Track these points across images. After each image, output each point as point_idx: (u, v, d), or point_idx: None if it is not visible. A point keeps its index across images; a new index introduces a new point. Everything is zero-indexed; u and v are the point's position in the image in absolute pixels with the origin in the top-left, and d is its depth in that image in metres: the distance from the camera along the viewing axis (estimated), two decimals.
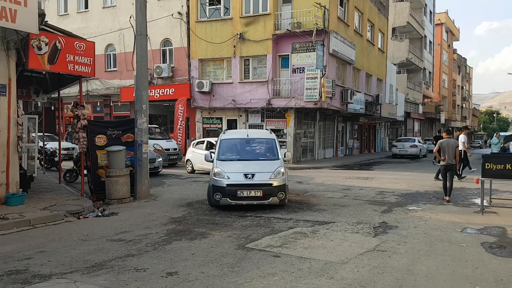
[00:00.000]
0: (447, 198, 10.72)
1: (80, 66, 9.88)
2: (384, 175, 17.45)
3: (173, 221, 8.45)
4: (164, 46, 25.73)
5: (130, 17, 13.19)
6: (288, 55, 22.24)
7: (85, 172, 11.38)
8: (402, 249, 6.35)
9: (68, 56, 9.65)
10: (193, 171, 18.08)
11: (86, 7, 28.46)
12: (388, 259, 5.89)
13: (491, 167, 8.86)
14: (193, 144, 19.19)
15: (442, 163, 10.93)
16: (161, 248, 6.49)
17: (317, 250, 6.32)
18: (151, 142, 15.59)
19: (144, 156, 11.36)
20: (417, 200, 10.99)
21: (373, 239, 6.97)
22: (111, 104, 28.07)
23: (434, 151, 11.36)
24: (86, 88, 26.83)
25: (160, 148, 20.10)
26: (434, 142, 21.54)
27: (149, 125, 12.41)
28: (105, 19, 27.37)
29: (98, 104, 28.57)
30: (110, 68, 27.83)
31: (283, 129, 22.50)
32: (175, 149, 21.33)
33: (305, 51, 21.62)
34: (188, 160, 18.61)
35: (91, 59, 10.13)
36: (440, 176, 12.31)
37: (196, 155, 17.72)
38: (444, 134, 11.39)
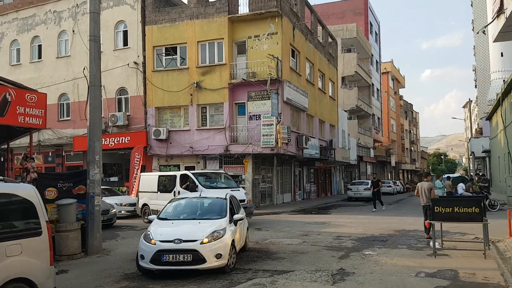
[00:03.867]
0: (427, 236, 11.57)
1: (30, 118, 9.66)
2: (341, 219, 17.71)
3: (127, 277, 8.13)
4: (120, 95, 25.60)
5: (84, 69, 13.16)
6: (244, 102, 22.73)
7: None
8: None
9: (19, 108, 9.44)
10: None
11: (40, 57, 28.06)
12: None
13: (440, 211, 9.25)
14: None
15: (421, 203, 12.04)
16: None
17: None
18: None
19: (97, 208, 10.99)
20: (372, 244, 11.20)
21: (331, 287, 6.99)
22: (64, 154, 27.21)
23: (415, 193, 12.64)
24: (38, 138, 25.97)
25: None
26: (372, 186, 22.42)
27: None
28: (58, 68, 27.06)
29: (50, 154, 27.61)
30: (63, 117, 27.22)
31: (242, 175, 22.57)
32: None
33: (260, 99, 22.21)
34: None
35: (43, 110, 9.94)
36: None
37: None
38: (427, 178, 12.56)
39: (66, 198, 10.45)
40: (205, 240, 7.92)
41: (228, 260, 8.14)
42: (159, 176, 17.89)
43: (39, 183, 10.39)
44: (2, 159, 26.20)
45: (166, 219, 9.09)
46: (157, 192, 17.14)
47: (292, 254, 9.94)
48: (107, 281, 7.88)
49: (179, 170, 23.74)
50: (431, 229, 11.07)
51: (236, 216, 9.20)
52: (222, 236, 8.16)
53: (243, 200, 14.90)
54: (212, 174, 18.16)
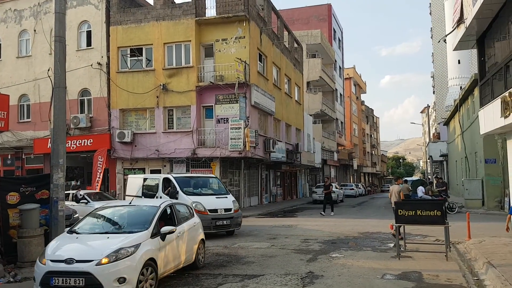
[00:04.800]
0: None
1: None
2: (307, 222, 17.98)
3: None
4: (82, 96, 24.95)
5: (49, 70, 12.75)
6: (212, 106, 22.70)
7: None
8: None
9: None
10: None
11: None
12: None
13: (404, 214, 9.59)
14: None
15: (392, 205, 12.46)
16: None
17: None
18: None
19: (60, 214, 10.62)
20: (339, 246, 11.45)
21: None
22: (23, 157, 26.20)
23: (389, 196, 13.35)
24: None
25: None
26: (325, 191, 22.03)
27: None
28: (19, 69, 26.06)
29: (9, 157, 26.52)
30: (23, 119, 26.23)
31: None
32: None
33: (228, 102, 22.24)
34: None
35: (5, 112, 9.58)
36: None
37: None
38: (398, 181, 13.53)
39: (29, 203, 10.09)
40: (104, 260, 6.34)
41: (138, 285, 6.52)
42: (144, 179, 16.26)
43: (1, 187, 9.98)
44: None
45: (75, 232, 7.50)
46: (141, 197, 15.13)
47: (261, 258, 10.01)
48: None
49: (144, 174, 23.47)
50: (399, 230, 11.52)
51: (165, 229, 7.42)
52: (131, 255, 6.54)
53: (229, 209, 13.78)
54: (199, 178, 16.09)
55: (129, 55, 24.03)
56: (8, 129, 10.21)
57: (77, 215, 16.51)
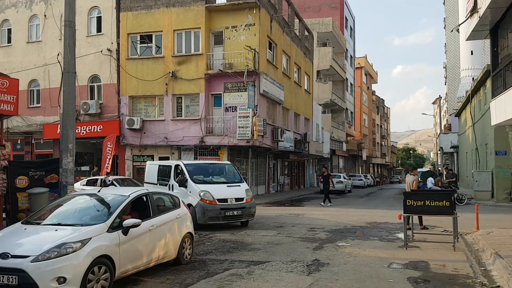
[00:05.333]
0: (421, 227, 12.10)
1: (2, 104, 9.34)
2: (314, 211, 17.97)
3: None
4: (92, 82, 25.03)
5: (58, 54, 12.81)
6: (221, 94, 22.64)
7: (4, 216, 10.51)
8: (335, 287, 6.54)
9: None
10: None
11: (9, 41, 27.08)
12: None
13: (412, 204, 9.52)
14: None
15: None
16: None
17: None
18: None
19: None
20: (345, 236, 11.43)
21: (307, 277, 7.11)
22: (33, 142, 26.43)
23: (406, 186, 13.07)
24: (6, 125, 25.01)
25: None
26: (322, 180, 21.72)
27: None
28: (29, 54, 26.18)
29: (19, 142, 26.77)
30: (33, 104, 26.41)
31: None
32: None
33: (237, 90, 22.16)
34: None
35: (15, 96, 9.62)
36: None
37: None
38: (414, 172, 13.28)
39: (38, 187, 10.22)
40: (42, 256, 5.53)
41: (84, 286, 5.68)
42: (159, 166, 15.36)
43: (10, 171, 10.10)
44: None
45: (29, 223, 6.79)
46: (156, 185, 14.56)
47: (267, 245, 10.03)
48: None
49: (153, 160, 23.59)
50: (411, 221, 11.55)
51: (127, 222, 6.55)
52: (75, 251, 5.70)
53: (241, 199, 12.63)
54: (212, 165, 14.70)
55: (139, 42, 24.00)
56: (18, 113, 10.29)
57: None
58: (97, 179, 17.94)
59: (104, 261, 6.00)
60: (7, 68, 24.73)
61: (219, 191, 12.60)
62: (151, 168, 15.71)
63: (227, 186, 13.08)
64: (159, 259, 7.41)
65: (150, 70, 23.50)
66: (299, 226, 13.20)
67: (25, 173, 10.46)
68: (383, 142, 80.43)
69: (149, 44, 23.78)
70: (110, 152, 23.10)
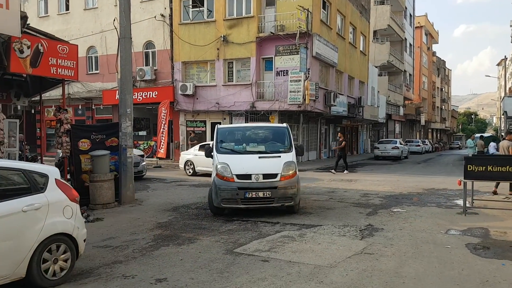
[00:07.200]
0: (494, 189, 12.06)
1: (63, 70, 9.71)
2: (368, 177, 17.64)
3: (160, 226, 8.38)
4: (147, 49, 25.51)
5: (114, 20, 13.05)
6: (272, 57, 22.31)
7: (68, 177, 11.19)
8: (389, 252, 6.42)
9: (51, 59, 9.48)
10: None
11: (67, 9, 28.03)
12: (376, 262, 5.95)
13: (473, 169, 9.04)
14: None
15: None
16: (148, 254, 6.43)
17: (306, 254, 6.34)
18: None
19: (129, 160, 11.24)
20: (401, 202, 11.13)
21: (360, 242, 7.03)
22: (93, 107, 27.66)
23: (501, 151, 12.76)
24: (68, 91, 26.35)
25: None
26: (338, 146, 20.56)
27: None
28: (86, 21, 27.01)
29: (80, 107, 28.14)
30: (92, 70, 27.46)
31: None
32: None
33: (288, 53, 21.72)
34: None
35: (74, 62, 9.97)
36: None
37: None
38: (508, 137, 12.72)
39: (100, 150, 10.71)
40: None
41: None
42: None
43: (73, 134, 10.64)
44: (33, 111, 26.97)
45: None
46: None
47: (319, 209, 10.00)
48: (141, 229, 8.15)
49: (205, 126, 24.03)
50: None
51: None
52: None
53: (272, 175, 8.96)
54: (255, 130, 11.14)
55: (191, 6, 23.99)
56: (78, 79, 10.70)
57: (144, 163, 17.44)
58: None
59: None
60: (66, 35, 25.64)
61: (242, 163, 9.18)
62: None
63: (259, 157, 9.48)
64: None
65: (202, 35, 23.52)
66: (351, 192, 13.02)
67: (87, 136, 10.97)
68: (443, 106, 76.61)
69: (200, 8, 23.70)
70: (165, 117, 23.73)
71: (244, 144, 10.22)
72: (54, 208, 5.25)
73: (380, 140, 36.44)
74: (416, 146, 41.60)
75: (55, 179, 5.49)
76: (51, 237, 5.12)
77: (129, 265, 5.93)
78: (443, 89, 77.74)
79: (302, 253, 6.35)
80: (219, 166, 9.08)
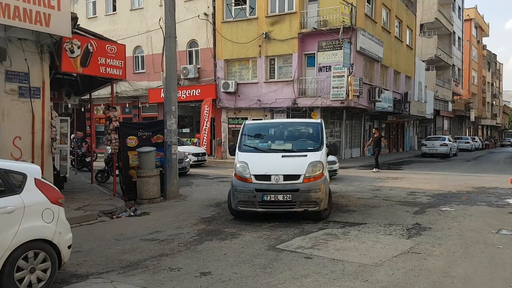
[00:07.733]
0: None
1: (111, 69, 10.08)
2: (414, 175, 17.12)
3: (203, 221, 8.53)
4: (191, 47, 25.96)
5: (160, 20, 13.38)
6: (314, 53, 22.09)
7: (117, 172, 11.61)
8: (437, 251, 6.21)
9: (100, 59, 9.86)
10: None
11: (114, 9, 29.01)
12: (423, 261, 5.77)
13: None
14: None
15: None
16: (193, 248, 6.56)
17: (350, 252, 6.25)
18: None
19: (174, 156, 11.51)
20: (449, 201, 10.74)
21: (406, 241, 6.85)
22: (140, 106, 28.52)
23: None
24: (116, 90, 27.29)
25: None
26: (373, 144, 19.85)
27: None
28: (132, 21, 27.84)
29: (127, 106, 29.08)
30: (138, 70, 28.28)
31: None
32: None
33: (331, 49, 21.43)
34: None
35: (122, 61, 10.32)
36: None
37: None
38: None
39: (146, 146, 11.04)
40: None
41: None
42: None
43: (121, 132, 11.02)
44: (83, 109, 28.15)
45: None
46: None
47: (363, 207, 9.81)
48: (186, 223, 8.33)
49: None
50: None
51: None
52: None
53: (295, 176, 8.08)
54: (285, 126, 10.21)
55: (233, 4, 24.17)
56: (126, 78, 11.08)
57: (188, 159, 17.79)
58: None
59: None
60: (114, 36, 26.52)
61: (263, 163, 8.43)
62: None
63: (282, 156, 8.61)
64: None
65: (244, 33, 23.65)
66: (397, 190, 12.69)
67: (135, 133, 11.34)
68: (494, 102, 73.00)
69: (243, 6, 23.82)
70: (207, 115, 24.11)
71: (269, 142, 9.50)
72: (31, 211, 4.68)
73: (428, 136, 35.27)
74: (466, 143, 39.92)
75: (35, 179, 4.89)
76: (27, 243, 4.58)
77: (175, 258, 6.08)
78: (494, 84, 74.05)
79: (346, 251, 6.27)
80: (238, 165, 8.46)
